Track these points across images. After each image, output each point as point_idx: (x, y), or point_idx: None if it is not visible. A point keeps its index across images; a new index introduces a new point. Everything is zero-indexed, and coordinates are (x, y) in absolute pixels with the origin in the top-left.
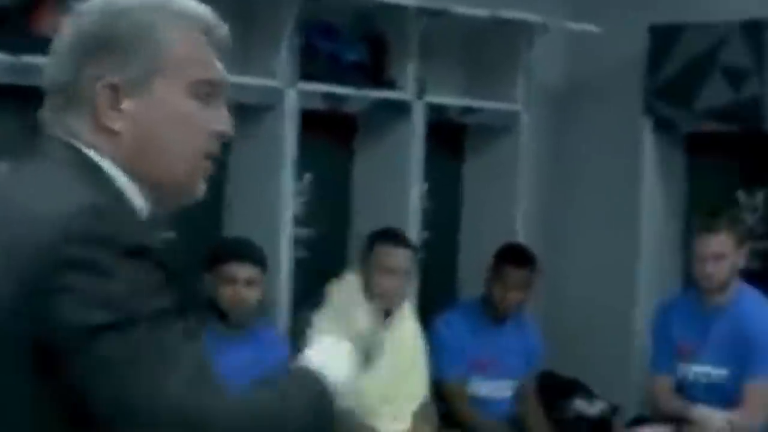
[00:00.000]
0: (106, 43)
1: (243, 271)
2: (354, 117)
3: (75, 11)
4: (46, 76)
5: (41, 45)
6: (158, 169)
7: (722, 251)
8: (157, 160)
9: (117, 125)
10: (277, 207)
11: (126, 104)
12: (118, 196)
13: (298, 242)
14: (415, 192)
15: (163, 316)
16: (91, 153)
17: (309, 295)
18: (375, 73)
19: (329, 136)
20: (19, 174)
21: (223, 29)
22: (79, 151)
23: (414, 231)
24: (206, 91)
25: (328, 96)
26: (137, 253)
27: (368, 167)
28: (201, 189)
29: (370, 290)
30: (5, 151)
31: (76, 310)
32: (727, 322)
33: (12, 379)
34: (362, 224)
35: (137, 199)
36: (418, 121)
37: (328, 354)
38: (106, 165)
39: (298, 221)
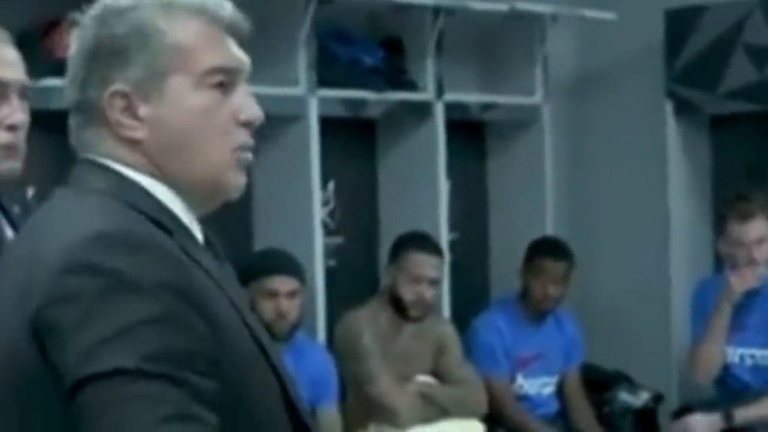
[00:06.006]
0: (108, 50)
1: (286, 284)
2: (373, 121)
3: (78, 23)
4: (65, 96)
5: (60, 68)
6: (188, 171)
7: (762, 235)
8: (185, 163)
9: (138, 134)
10: (305, 217)
11: (143, 111)
12: (157, 211)
13: (326, 251)
14: (442, 192)
15: (160, 357)
16: (122, 168)
17: (342, 303)
18: (392, 76)
19: (350, 141)
20: (46, 206)
21: (233, 13)
22: (108, 170)
23: (443, 232)
24: (220, 79)
25: (347, 102)
26: (130, 285)
27: (391, 171)
28: (239, 182)
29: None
30: (34, 178)
31: (65, 354)
32: (763, 302)
33: (41, 413)
34: (390, 229)
35: (177, 206)
36: (439, 121)
37: None
38: (140, 178)
39: (326, 230)
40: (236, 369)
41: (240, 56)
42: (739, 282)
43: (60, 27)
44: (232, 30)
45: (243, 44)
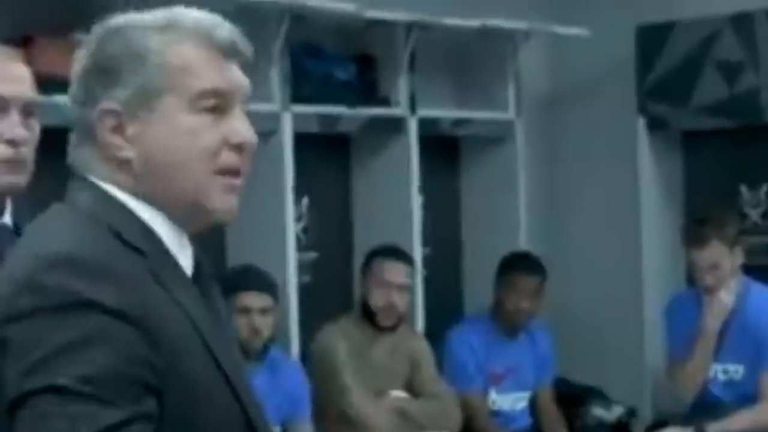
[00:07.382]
0: (101, 69)
1: (259, 300)
2: (347, 136)
3: (84, 43)
4: (69, 114)
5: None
6: (172, 191)
7: (716, 261)
8: (169, 183)
9: (126, 154)
10: (279, 232)
11: (132, 130)
12: (136, 234)
13: (300, 267)
14: (415, 208)
15: (89, 382)
16: (109, 188)
17: (317, 319)
18: (366, 91)
19: (324, 157)
20: (34, 223)
21: (233, 35)
22: (95, 189)
23: (416, 246)
24: (212, 103)
25: (321, 117)
26: (77, 307)
27: (365, 186)
28: (227, 206)
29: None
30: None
31: (8, 370)
32: (736, 319)
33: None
34: (364, 244)
35: (163, 229)
36: (412, 136)
37: None
38: (126, 198)
39: (299, 245)
40: (187, 396)
41: (237, 79)
42: (727, 296)
43: (34, 42)
44: (232, 52)
45: (245, 67)
